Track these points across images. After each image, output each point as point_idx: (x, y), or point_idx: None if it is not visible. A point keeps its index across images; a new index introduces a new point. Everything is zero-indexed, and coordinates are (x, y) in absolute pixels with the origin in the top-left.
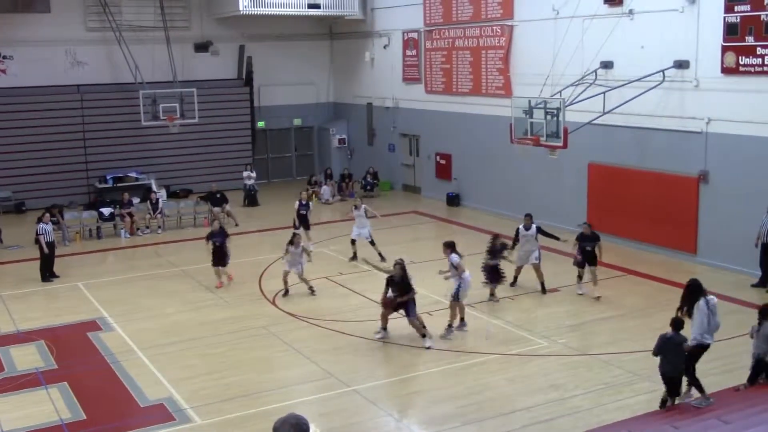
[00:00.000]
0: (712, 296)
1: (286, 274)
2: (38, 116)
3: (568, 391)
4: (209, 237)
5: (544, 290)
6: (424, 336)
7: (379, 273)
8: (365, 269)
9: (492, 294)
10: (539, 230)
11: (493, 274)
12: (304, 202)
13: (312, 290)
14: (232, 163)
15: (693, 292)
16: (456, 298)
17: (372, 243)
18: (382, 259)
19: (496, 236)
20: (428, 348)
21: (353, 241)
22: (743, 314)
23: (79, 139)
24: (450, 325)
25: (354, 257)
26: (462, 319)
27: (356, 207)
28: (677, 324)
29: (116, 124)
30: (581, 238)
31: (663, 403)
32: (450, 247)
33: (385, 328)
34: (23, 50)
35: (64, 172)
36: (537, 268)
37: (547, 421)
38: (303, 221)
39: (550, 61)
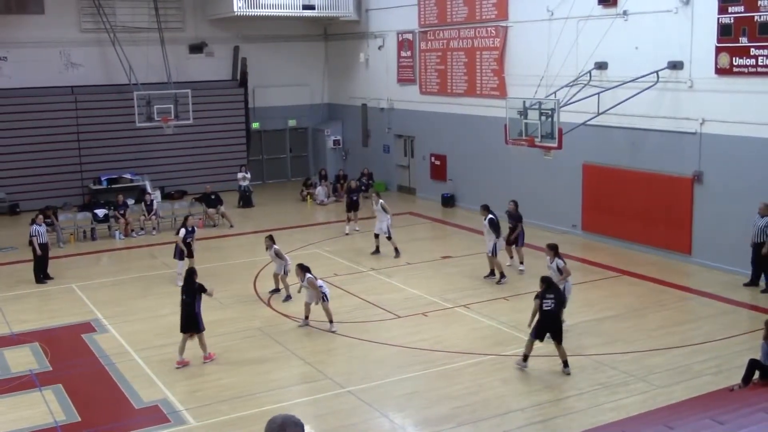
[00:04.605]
0: None
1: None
2: (32, 118)
3: (563, 392)
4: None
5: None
6: None
7: (371, 274)
8: (361, 270)
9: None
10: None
11: None
12: (190, 229)
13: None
14: (227, 165)
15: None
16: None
17: (389, 238)
18: (397, 254)
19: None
20: None
21: (377, 236)
22: (737, 314)
23: (73, 140)
24: None
25: (377, 251)
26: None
27: (374, 201)
28: None
29: (111, 126)
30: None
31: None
32: (553, 249)
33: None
34: (17, 51)
35: (59, 174)
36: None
37: (542, 422)
38: (189, 249)
39: (545, 62)
